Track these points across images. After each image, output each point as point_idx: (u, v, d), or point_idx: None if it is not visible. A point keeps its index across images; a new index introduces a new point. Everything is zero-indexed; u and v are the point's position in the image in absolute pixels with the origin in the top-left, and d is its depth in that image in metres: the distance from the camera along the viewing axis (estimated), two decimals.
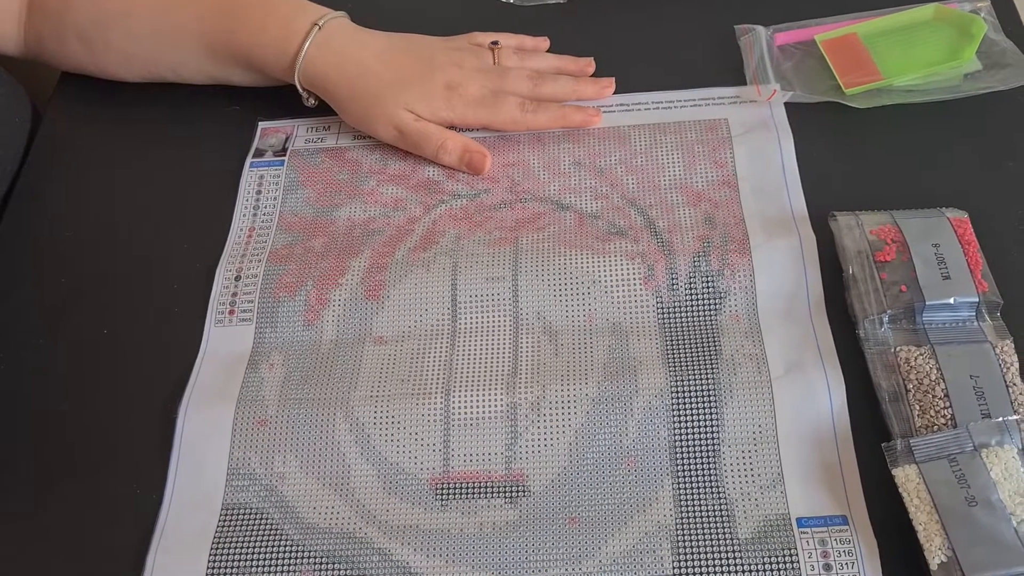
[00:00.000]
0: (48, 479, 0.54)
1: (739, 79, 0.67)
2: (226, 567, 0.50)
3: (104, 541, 0.52)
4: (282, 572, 0.50)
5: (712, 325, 0.55)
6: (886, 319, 0.53)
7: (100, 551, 0.51)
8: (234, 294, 0.60)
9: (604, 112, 0.66)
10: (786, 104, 0.65)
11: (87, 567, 0.51)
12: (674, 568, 0.48)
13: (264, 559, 0.50)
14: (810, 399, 0.52)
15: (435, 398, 0.54)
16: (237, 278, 0.61)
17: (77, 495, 0.53)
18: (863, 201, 0.59)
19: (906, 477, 0.47)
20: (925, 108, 0.63)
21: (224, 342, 0.58)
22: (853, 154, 0.63)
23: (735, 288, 0.57)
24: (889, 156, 0.62)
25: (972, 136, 0.63)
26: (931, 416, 0.49)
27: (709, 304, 0.56)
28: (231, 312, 0.59)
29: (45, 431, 0.56)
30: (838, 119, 0.64)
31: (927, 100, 0.64)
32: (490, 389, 0.54)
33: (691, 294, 0.57)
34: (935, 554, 0.45)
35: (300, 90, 0.66)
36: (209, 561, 0.50)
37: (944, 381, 0.50)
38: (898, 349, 0.52)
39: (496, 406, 0.54)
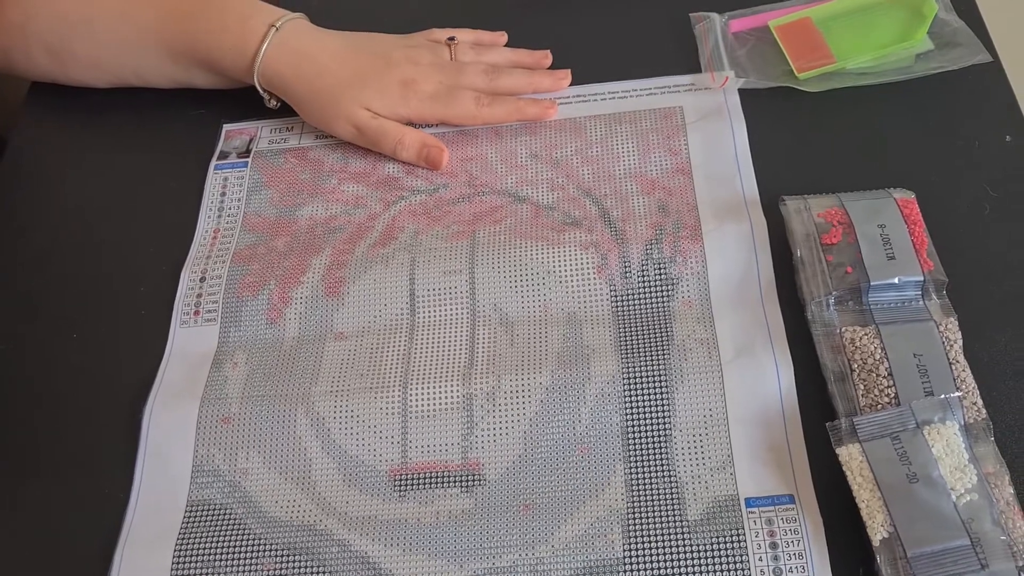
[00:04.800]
0: (16, 479, 0.56)
1: (694, 67, 0.67)
2: (191, 562, 0.51)
3: (72, 539, 0.53)
4: (245, 566, 0.51)
5: (664, 311, 0.56)
6: (832, 301, 0.53)
7: (68, 549, 0.53)
8: (199, 295, 0.61)
9: (561, 104, 0.67)
10: (740, 90, 0.65)
11: (55, 565, 0.52)
12: (624, 551, 0.49)
13: (228, 554, 0.51)
14: (759, 382, 0.53)
15: (393, 391, 0.55)
16: (202, 279, 0.62)
17: (45, 495, 0.55)
18: (815, 185, 0.60)
19: (849, 456, 0.48)
20: (878, 90, 0.64)
21: (189, 342, 0.59)
22: (806, 138, 0.63)
23: (687, 274, 0.57)
24: (842, 139, 0.63)
25: (924, 116, 0.63)
26: (875, 395, 0.50)
27: (661, 291, 0.57)
28: (196, 313, 0.61)
29: (13, 433, 0.57)
30: (791, 104, 0.64)
31: (880, 82, 0.64)
32: (447, 381, 0.55)
33: (643, 282, 0.58)
34: (877, 530, 0.46)
35: (260, 91, 0.67)
36: (174, 557, 0.51)
37: (888, 360, 0.51)
38: (844, 330, 0.53)
39: (452, 397, 0.55)
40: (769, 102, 0.64)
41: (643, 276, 0.58)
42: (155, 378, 0.58)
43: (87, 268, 0.65)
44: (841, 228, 0.55)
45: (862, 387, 0.51)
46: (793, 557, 0.48)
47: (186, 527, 0.52)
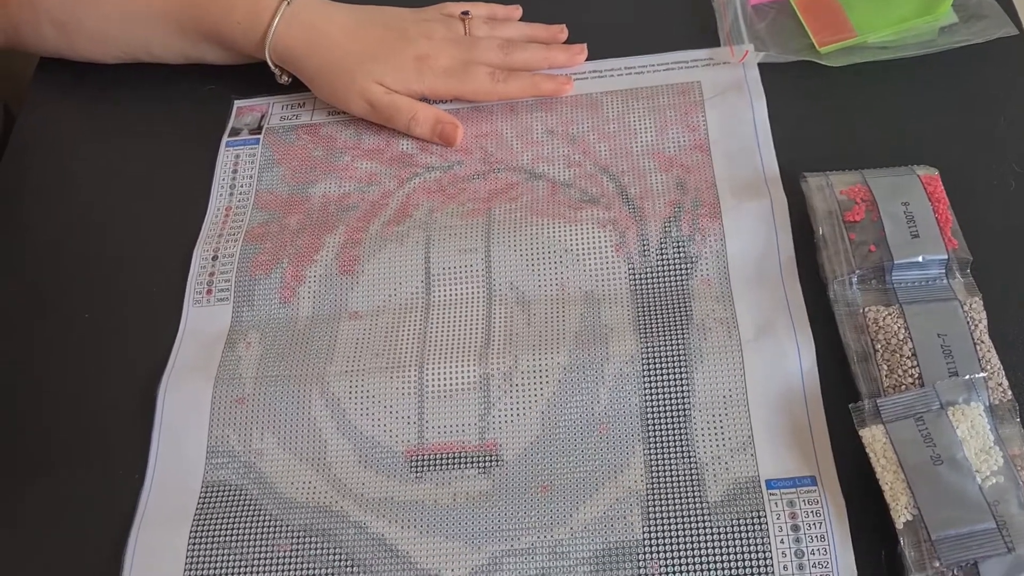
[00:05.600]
0: (31, 462, 0.55)
1: (713, 41, 0.66)
2: (206, 543, 0.51)
3: (87, 521, 0.53)
4: (261, 547, 0.50)
5: (683, 290, 0.55)
6: (855, 279, 0.53)
7: (84, 531, 0.52)
8: (211, 274, 0.61)
9: (576, 79, 0.66)
10: (759, 65, 0.64)
11: (72, 547, 0.52)
12: (644, 532, 0.48)
13: (243, 535, 0.51)
14: (780, 362, 0.52)
15: (409, 371, 0.55)
16: (214, 258, 0.61)
17: (60, 477, 0.54)
18: (836, 161, 0.58)
19: (873, 437, 0.48)
20: (900, 64, 0.63)
21: (202, 322, 0.59)
22: (827, 114, 0.62)
23: (706, 252, 0.57)
24: (863, 114, 0.62)
25: (948, 91, 0.62)
26: (899, 376, 0.49)
27: (680, 269, 0.56)
28: (208, 292, 0.60)
29: (27, 414, 0.57)
30: (812, 78, 0.63)
31: (902, 56, 0.63)
32: (463, 360, 0.54)
33: (662, 260, 0.57)
34: (901, 513, 0.45)
35: (272, 67, 0.66)
36: (190, 538, 0.51)
37: (912, 340, 0.50)
38: (867, 309, 0.52)
39: (469, 377, 0.54)
40: (789, 77, 0.63)
41: (661, 254, 0.57)
42: (168, 358, 0.57)
43: (98, 247, 0.64)
44: (864, 205, 0.54)
45: (885, 367, 0.50)
46: (815, 539, 0.47)
47: (201, 508, 0.52)
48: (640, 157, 0.62)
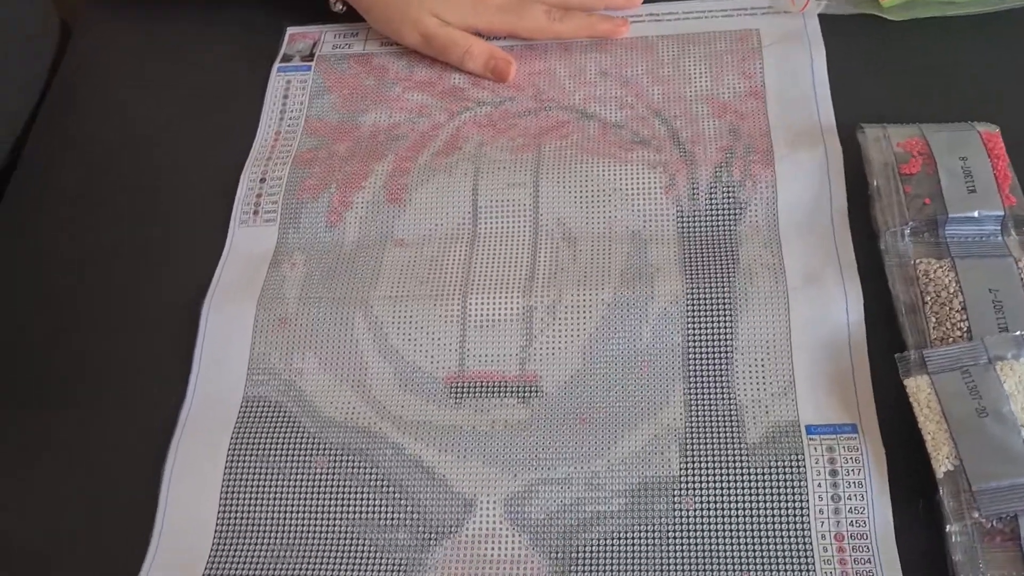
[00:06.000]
0: (77, 373, 0.56)
1: None
2: (245, 456, 0.51)
3: (130, 431, 0.53)
4: (298, 461, 0.51)
5: (731, 235, 0.55)
6: (907, 231, 0.52)
7: (126, 440, 0.53)
8: (259, 196, 0.61)
9: (633, 22, 0.65)
10: (820, 15, 0.63)
11: (114, 455, 0.53)
12: (681, 469, 0.48)
13: (281, 450, 0.52)
14: (827, 309, 0.52)
15: (453, 299, 0.55)
16: (262, 180, 0.61)
17: (105, 388, 0.55)
18: (894, 116, 0.58)
19: (917, 387, 0.47)
20: (964, 20, 0.62)
21: (248, 242, 0.59)
22: (887, 68, 0.61)
23: (756, 199, 0.56)
24: (924, 70, 0.61)
25: (1012, 50, 0.61)
26: (947, 328, 0.49)
27: (729, 214, 0.56)
28: (255, 213, 0.60)
29: (74, 328, 0.58)
30: (873, 32, 0.62)
31: (968, 12, 0.62)
32: (507, 292, 0.55)
33: (711, 204, 0.56)
34: (942, 463, 0.45)
35: None
36: (229, 450, 0.52)
37: (963, 294, 0.49)
38: (918, 262, 0.51)
39: (512, 308, 0.54)
40: (850, 29, 0.62)
41: (711, 198, 0.57)
42: (213, 277, 0.58)
43: (147, 165, 0.64)
44: (921, 159, 0.53)
45: (934, 319, 0.49)
46: (852, 485, 0.47)
47: (241, 422, 0.53)
48: (693, 102, 0.61)
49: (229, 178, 0.62)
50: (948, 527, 0.44)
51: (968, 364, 0.47)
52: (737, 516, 0.47)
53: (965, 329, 0.49)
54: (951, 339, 0.49)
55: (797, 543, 0.46)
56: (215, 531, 0.50)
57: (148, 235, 0.61)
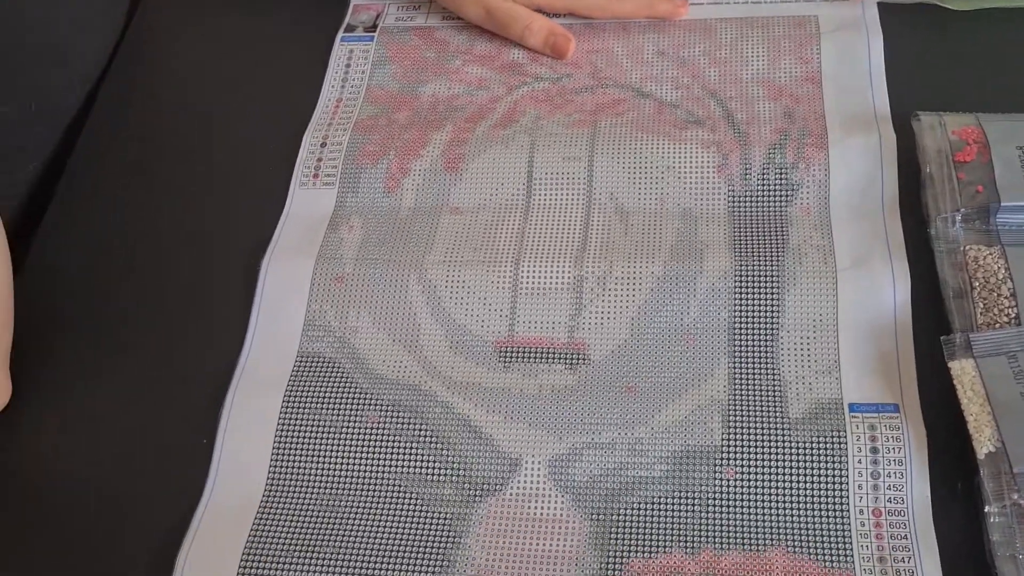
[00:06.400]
0: (135, 323, 0.58)
1: None
2: (299, 408, 0.53)
3: (188, 379, 0.55)
4: (351, 416, 0.53)
5: (782, 215, 0.56)
6: (959, 218, 0.53)
7: (184, 388, 0.55)
8: (319, 159, 0.63)
9: (692, 4, 0.66)
10: (880, 4, 0.64)
11: (173, 399, 0.55)
12: (723, 439, 0.49)
13: (334, 404, 0.53)
14: (874, 291, 0.52)
15: (505, 266, 0.56)
16: (323, 144, 0.63)
17: (164, 338, 0.57)
18: (950, 106, 0.58)
19: (962, 370, 0.48)
20: None
21: (307, 204, 0.61)
22: (945, 58, 0.62)
23: (808, 181, 0.57)
24: (983, 62, 0.61)
25: None
26: (994, 314, 0.49)
27: (780, 195, 0.57)
28: (315, 176, 0.62)
29: (137, 276, 0.60)
30: (934, 22, 0.62)
31: None
32: (559, 261, 0.56)
33: (763, 184, 0.57)
34: (984, 444, 0.46)
35: None
36: (284, 401, 0.53)
37: (1012, 280, 0.50)
38: (968, 248, 0.52)
39: (563, 277, 0.55)
40: (910, 18, 0.63)
41: (763, 179, 0.57)
42: (273, 235, 0.60)
43: (211, 129, 0.66)
44: (976, 147, 0.54)
45: (981, 305, 0.50)
46: (893, 463, 0.48)
47: (296, 376, 0.54)
48: (749, 84, 0.62)
49: (291, 141, 0.64)
50: (987, 507, 0.45)
51: (1015, 349, 0.48)
52: (777, 487, 0.48)
53: (1013, 315, 0.49)
54: (998, 324, 0.49)
55: (835, 516, 0.47)
56: (267, 479, 0.51)
57: (211, 191, 0.63)
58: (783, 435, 0.49)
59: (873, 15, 0.63)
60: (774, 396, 0.50)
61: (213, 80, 0.69)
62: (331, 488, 0.51)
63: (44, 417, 0.55)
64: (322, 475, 0.51)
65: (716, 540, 0.47)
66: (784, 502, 0.47)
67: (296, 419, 0.53)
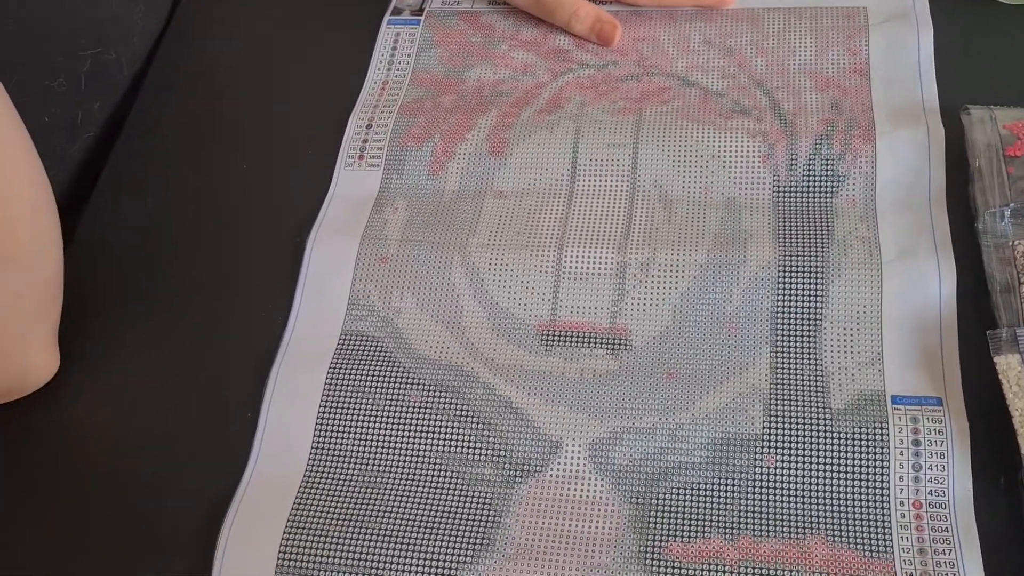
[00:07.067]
0: (182, 297, 0.59)
1: None
2: (342, 385, 0.54)
3: (233, 355, 0.56)
4: (393, 394, 0.53)
5: (827, 207, 0.56)
6: (1008, 212, 0.52)
7: (230, 362, 0.56)
8: (364, 141, 0.63)
9: None
10: None
11: (218, 373, 0.56)
12: (764, 428, 0.50)
13: (377, 381, 0.54)
14: (919, 284, 0.52)
15: (548, 251, 0.56)
16: (368, 126, 0.64)
17: (212, 314, 0.58)
18: (999, 101, 0.58)
19: (1007, 364, 0.48)
20: None
21: (352, 184, 0.61)
22: (997, 52, 0.61)
23: (855, 173, 0.57)
24: None
25: None
26: None
27: (826, 186, 0.57)
28: (360, 157, 0.62)
29: (186, 249, 0.60)
30: (984, 14, 0.62)
31: None
32: (602, 247, 0.56)
33: (809, 175, 0.57)
34: None
35: None
36: (327, 377, 0.54)
37: None
38: (1016, 243, 0.51)
39: (606, 263, 0.56)
40: (961, 10, 0.62)
41: (809, 170, 0.57)
42: (318, 214, 0.60)
43: (258, 108, 0.67)
44: None
45: None
46: (935, 456, 0.48)
47: (339, 353, 0.55)
48: (796, 75, 0.62)
49: (337, 122, 0.64)
50: None
51: None
52: (817, 477, 0.48)
53: None
54: None
55: (875, 507, 0.47)
56: (310, 454, 0.52)
57: (258, 170, 0.63)
58: (825, 425, 0.49)
59: (923, 7, 0.63)
60: (816, 386, 0.50)
61: (260, 61, 0.70)
62: (373, 465, 0.51)
63: (90, 389, 0.56)
64: (364, 452, 0.52)
65: (755, 527, 0.47)
66: (824, 492, 0.47)
67: (339, 396, 0.53)
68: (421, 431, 0.52)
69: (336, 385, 0.54)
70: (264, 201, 0.62)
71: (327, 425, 0.53)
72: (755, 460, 0.49)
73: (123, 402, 0.55)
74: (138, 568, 0.50)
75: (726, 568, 0.46)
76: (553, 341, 0.54)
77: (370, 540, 0.49)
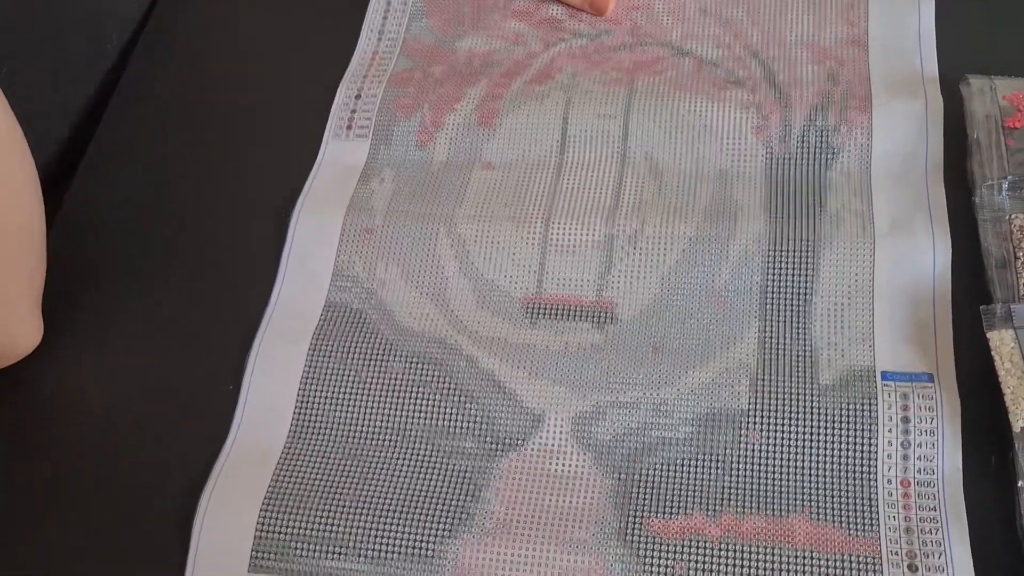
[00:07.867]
0: (166, 270, 0.58)
1: None
2: (324, 356, 0.53)
3: (217, 324, 0.55)
4: (375, 367, 0.53)
5: (820, 179, 0.55)
6: (1005, 185, 0.51)
7: (212, 334, 0.55)
8: (353, 111, 0.62)
9: None
10: None
11: (201, 345, 0.55)
12: (750, 403, 0.49)
13: (360, 354, 0.53)
14: (913, 258, 0.51)
15: (535, 223, 0.55)
16: (357, 96, 0.63)
17: (194, 285, 0.57)
18: (1002, 71, 0.56)
19: (1001, 340, 0.47)
20: None
21: (339, 154, 0.60)
22: (998, 23, 0.59)
23: (850, 145, 0.55)
24: None
25: None
26: None
27: (820, 158, 0.55)
28: (348, 127, 0.62)
29: (172, 221, 0.60)
30: None
31: None
32: (589, 219, 0.55)
33: (803, 147, 0.56)
34: (1020, 417, 0.45)
35: None
36: (310, 349, 0.53)
37: None
38: (1014, 216, 0.50)
39: (593, 235, 0.55)
40: None
41: (803, 142, 0.56)
42: (304, 185, 0.59)
43: (247, 76, 0.66)
44: None
45: None
46: (924, 433, 0.47)
47: (322, 325, 0.54)
48: (793, 46, 0.60)
49: (326, 92, 0.63)
50: (1020, 482, 0.44)
51: None
52: (802, 453, 0.47)
53: None
54: None
55: (862, 484, 0.46)
56: (291, 424, 0.52)
57: (245, 140, 0.63)
58: (812, 401, 0.48)
59: None
60: (804, 361, 0.49)
61: (249, 30, 0.69)
62: (353, 437, 0.51)
63: (74, 360, 0.56)
64: (345, 424, 0.51)
65: (738, 504, 0.46)
66: (810, 469, 0.47)
67: (322, 368, 0.53)
68: (402, 404, 0.51)
69: (319, 357, 0.53)
70: (250, 172, 0.61)
71: (309, 397, 0.52)
72: (740, 436, 0.48)
73: (106, 373, 0.55)
74: (118, 537, 0.50)
75: (707, 544, 0.45)
76: (538, 314, 0.53)
77: (349, 512, 0.48)
